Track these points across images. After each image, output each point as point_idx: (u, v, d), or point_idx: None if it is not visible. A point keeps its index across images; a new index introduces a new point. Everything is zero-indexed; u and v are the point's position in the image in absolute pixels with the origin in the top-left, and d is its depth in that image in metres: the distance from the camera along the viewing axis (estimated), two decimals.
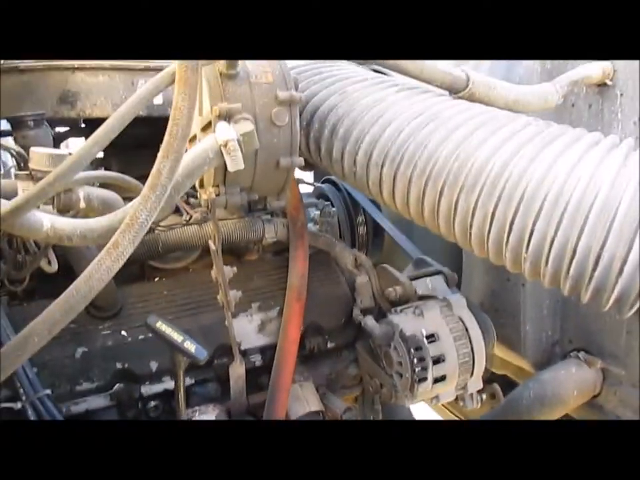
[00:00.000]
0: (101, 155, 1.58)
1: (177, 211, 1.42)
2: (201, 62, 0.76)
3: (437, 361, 1.28)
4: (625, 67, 1.26)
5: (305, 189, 1.93)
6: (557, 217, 0.84)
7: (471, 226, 0.95)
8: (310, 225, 1.66)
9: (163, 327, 0.98)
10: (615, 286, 0.82)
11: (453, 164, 0.95)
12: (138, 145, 1.28)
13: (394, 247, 1.86)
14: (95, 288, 0.75)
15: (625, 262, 0.80)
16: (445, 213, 0.98)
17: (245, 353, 1.36)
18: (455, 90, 1.13)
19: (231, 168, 0.85)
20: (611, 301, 0.84)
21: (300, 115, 1.15)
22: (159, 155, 0.74)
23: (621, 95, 1.28)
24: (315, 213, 1.75)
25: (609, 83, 1.29)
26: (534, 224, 0.86)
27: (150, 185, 0.74)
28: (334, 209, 1.79)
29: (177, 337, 0.97)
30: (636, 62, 1.23)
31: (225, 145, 0.84)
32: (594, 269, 0.83)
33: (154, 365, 1.27)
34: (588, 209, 0.82)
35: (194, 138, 1.08)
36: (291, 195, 1.40)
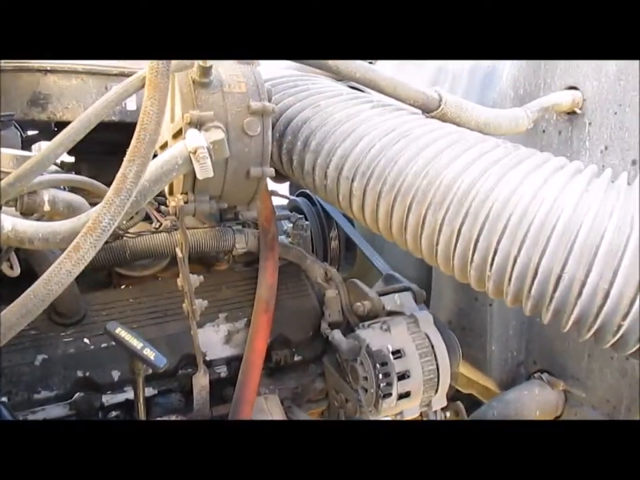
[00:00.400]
0: (72, 159, 1.56)
1: (147, 218, 1.40)
2: (172, 65, 0.76)
3: (402, 377, 1.28)
4: (593, 97, 1.30)
5: (279, 201, 1.93)
6: (521, 237, 0.86)
7: (437, 242, 0.96)
8: (282, 238, 1.66)
9: (122, 333, 0.96)
10: (574, 308, 0.84)
11: (422, 181, 0.96)
12: (110, 150, 1.26)
13: (366, 262, 1.87)
14: (53, 291, 0.74)
15: (583, 284, 0.82)
16: (412, 228, 0.99)
17: (210, 364, 1.35)
18: (428, 109, 1.15)
19: (200, 175, 0.85)
20: (570, 322, 0.86)
21: (273, 127, 1.16)
22: (125, 159, 0.73)
23: (589, 123, 1.32)
24: (288, 225, 1.75)
25: (578, 111, 1.32)
26: (498, 243, 0.88)
27: (114, 189, 0.73)
28: (307, 222, 1.79)
29: (136, 343, 0.95)
30: (603, 92, 1.27)
31: (195, 152, 0.84)
32: (554, 290, 0.85)
33: (116, 374, 1.25)
34: (550, 231, 0.84)
35: (165, 145, 1.07)
36: (263, 206, 1.39)
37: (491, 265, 0.90)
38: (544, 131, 1.43)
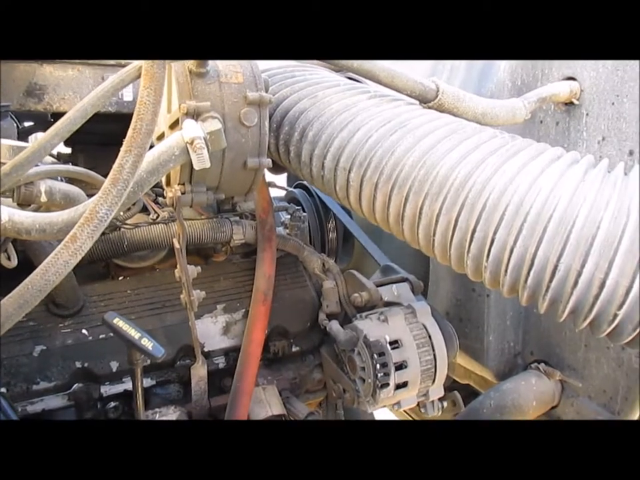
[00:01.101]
0: (68, 150, 1.56)
1: (145, 210, 1.40)
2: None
3: (400, 367, 1.29)
4: (590, 87, 1.29)
5: (276, 192, 1.93)
6: (517, 227, 0.86)
7: (434, 233, 0.96)
8: (280, 229, 1.66)
9: (120, 323, 0.96)
10: (570, 297, 0.84)
11: (419, 171, 0.97)
12: (106, 141, 1.26)
13: (364, 253, 1.87)
14: (51, 282, 0.74)
15: (579, 274, 0.82)
16: (409, 218, 0.99)
17: (208, 355, 1.35)
18: (425, 100, 1.15)
19: (196, 166, 0.85)
20: (566, 312, 0.86)
21: (270, 117, 1.16)
22: (122, 149, 0.73)
23: (587, 114, 1.31)
24: (285, 217, 1.75)
25: (575, 101, 1.32)
26: (495, 233, 0.88)
27: (111, 180, 0.73)
28: (305, 213, 1.79)
29: (134, 333, 0.96)
30: (600, 83, 1.27)
31: (192, 143, 0.84)
32: (551, 280, 0.85)
33: (114, 365, 1.25)
34: (547, 221, 0.84)
35: (162, 136, 1.07)
36: (261, 197, 1.39)
37: (488, 255, 0.90)
38: (541, 122, 1.43)
